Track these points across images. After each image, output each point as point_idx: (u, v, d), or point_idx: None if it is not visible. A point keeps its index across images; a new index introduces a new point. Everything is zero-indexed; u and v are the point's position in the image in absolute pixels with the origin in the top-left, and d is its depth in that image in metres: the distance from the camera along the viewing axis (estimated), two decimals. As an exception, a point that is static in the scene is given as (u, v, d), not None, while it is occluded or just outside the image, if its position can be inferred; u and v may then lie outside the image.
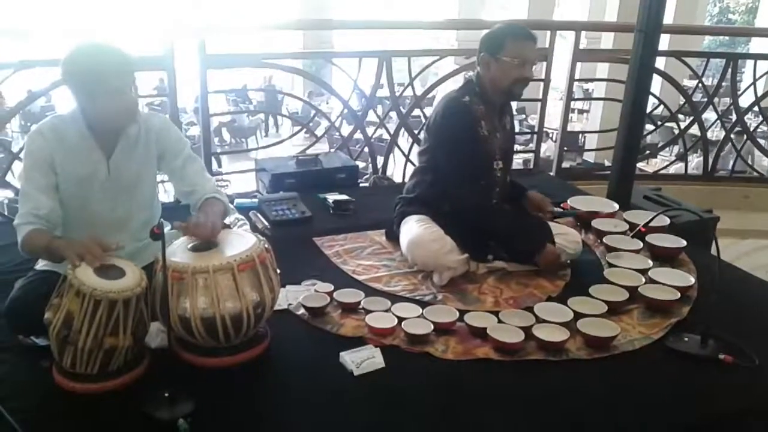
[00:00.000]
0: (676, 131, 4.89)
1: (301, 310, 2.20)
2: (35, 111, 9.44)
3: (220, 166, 8.31)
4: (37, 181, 1.92)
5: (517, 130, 3.07)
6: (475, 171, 2.51)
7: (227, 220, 2.74)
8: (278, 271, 1.96)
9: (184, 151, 2.13)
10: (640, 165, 4.93)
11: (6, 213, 3.73)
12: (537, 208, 2.62)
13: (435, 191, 2.58)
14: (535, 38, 2.49)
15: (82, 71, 1.85)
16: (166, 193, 3.92)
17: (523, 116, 10.65)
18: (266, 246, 1.94)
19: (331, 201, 3.19)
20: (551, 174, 4.37)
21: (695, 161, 5.91)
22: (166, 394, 1.65)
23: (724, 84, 4.56)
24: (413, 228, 2.53)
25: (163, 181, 2.72)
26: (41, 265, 2.04)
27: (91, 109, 1.91)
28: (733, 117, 4.68)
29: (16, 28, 3.63)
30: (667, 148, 6.15)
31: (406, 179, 3.05)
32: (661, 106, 4.89)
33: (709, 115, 4.91)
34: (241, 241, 1.93)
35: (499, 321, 2.13)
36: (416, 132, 4.06)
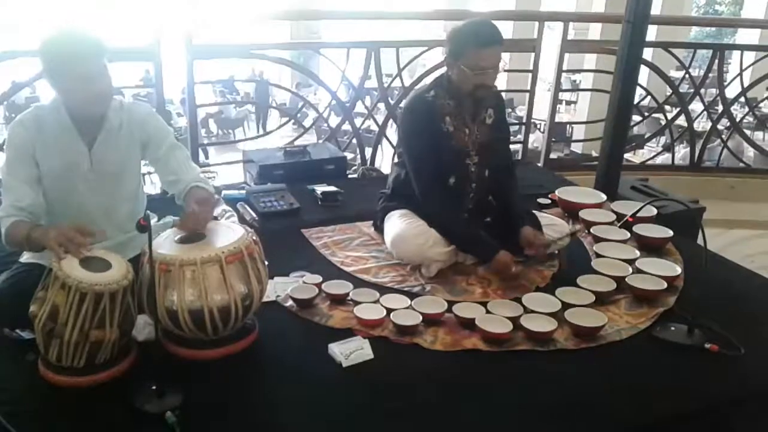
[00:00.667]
0: (663, 122, 4.91)
1: (290, 302, 2.19)
2: (20, 102, 9.33)
3: (207, 157, 8.27)
4: (19, 172, 1.90)
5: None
6: (433, 168, 2.47)
7: (215, 212, 2.73)
8: (266, 262, 1.96)
9: (168, 139, 2.11)
10: (627, 156, 4.95)
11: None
12: (527, 244, 2.44)
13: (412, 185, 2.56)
14: (499, 40, 2.38)
15: (52, 57, 1.84)
16: (153, 185, 3.89)
17: (509, 109, 10.65)
18: (254, 238, 1.93)
19: (319, 192, 3.18)
20: (539, 165, 4.39)
21: (682, 152, 5.95)
22: (154, 387, 1.64)
23: (710, 75, 4.58)
24: (396, 224, 2.52)
25: (149, 173, 2.71)
26: (26, 257, 2.02)
27: (64, 95, 1.90)
28: (720, 108, 4.71)
29: (5, 21, 3.57)
30: (653, 139, 6.18)
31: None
32: (648, 97, 4.91)
33: (696, 106, 4.94)
34: (228, 232, 1.91)
35: (488, 312, 2.13)
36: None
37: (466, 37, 2.37)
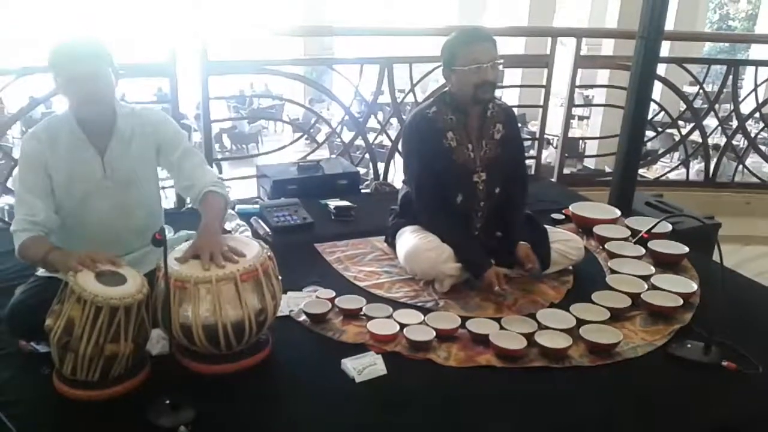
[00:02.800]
0: (677, 138, 4.88)
1: (303, 317, 2.19)
2: (36, 117, 9.44)
3: (221, 172, 8.31)
4: (32, 184, 1.93)
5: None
6: (433, 185, 2.46)
7: (228, 226, 2.74)
8: (280, 277, 1.96)
9: (182, 144, 2.11)
10: (640, 171, 4.93)
11: (7, 219, 3.73)
12: (520, 263, 2.46)
13: None
14: (490, 39, 2.40)
15: (52, 57, 1.88)
16: (166, 199, 3.91)
17: (520, 124, 10.61)
18: (269, 254, 1.93)
19: (332, 207, 3.18)
20: (552, 180, 4.37)
21: (696, 167, 5.91)
22: (168, 402, 1.65)
23: (725, 90, 4.56)
24: (409, 239, 2.51)
25: (164, 188, 2.72)
26: (42, 271, 2.03)
27: (64, 96, 1.93)
28: (734, 123, 4.68)
29: (22, 36, 3.62)
30: (667, 155, 6.15)
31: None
32: (662, 113, 4.89)
33: (710, 122, 4.91)
34: (244, 249, 1.90)
35: (501, 328, 2.11)
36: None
37: (455, 42, 2.41)
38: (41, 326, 1.71)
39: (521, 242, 2.46)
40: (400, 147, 4.10)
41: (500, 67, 2.42)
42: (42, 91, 3.37)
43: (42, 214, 1.91)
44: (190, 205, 2.17)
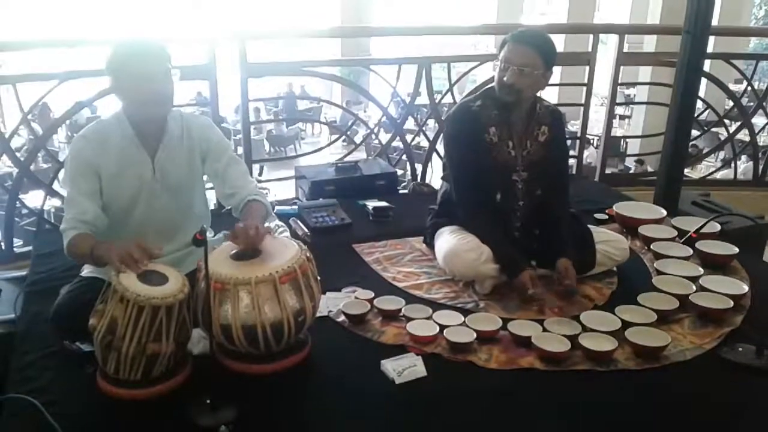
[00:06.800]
0: (723, 136, 4.75)
1: (342, 317, 2.18)
2: (81, 122, 9.65)
3: (261, 174, 8.39)
4: (82, 186, 1.95)
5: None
6: (472, 177, 2.42)
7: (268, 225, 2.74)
8: (319, 278, 1.95)
9: (227, 152, 2.13)
10: (685, 170, 4.80)
11: (53, 221, 3.80)
12: (557, 277, 2.35)
13: None
14: (536, 45, 2.30)
15: (116, 57, 1.90)
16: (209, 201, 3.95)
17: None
18: (308, 255, 1.92)
19: (370, 208, 3.17)
20: (595, 180, 4.29)
21: (743, 167, 5.74)
22: (208, 401, 1.65)
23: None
24: (447, 240, 2.47)
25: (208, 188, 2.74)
26: (86, 271, 2.06)
27: (125, 97, 1.95)
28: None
29: (61, 39, 3.69)
30: (712, 155, 5.98)
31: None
32: (707, 111, 4.76)
33: (757, 120, 4.77)
34: (283, 250, 1.91)
35: (544, 330, 2.07)
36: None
37: (507, 36, 2.36)
38: (85, 326, 1.73)
39: (563, 258, 2.35)
40: (438, 147, 4.09)
41: (534, 75, 2.31)
42: (87, 96, 3.42)
43: (92, 213, 1.93)
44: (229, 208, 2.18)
